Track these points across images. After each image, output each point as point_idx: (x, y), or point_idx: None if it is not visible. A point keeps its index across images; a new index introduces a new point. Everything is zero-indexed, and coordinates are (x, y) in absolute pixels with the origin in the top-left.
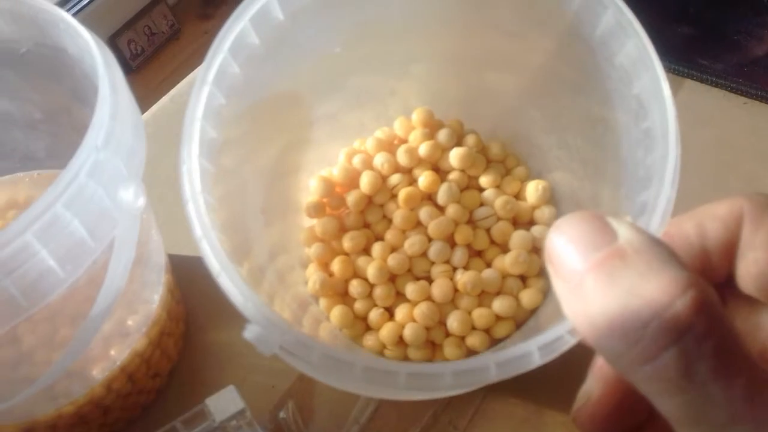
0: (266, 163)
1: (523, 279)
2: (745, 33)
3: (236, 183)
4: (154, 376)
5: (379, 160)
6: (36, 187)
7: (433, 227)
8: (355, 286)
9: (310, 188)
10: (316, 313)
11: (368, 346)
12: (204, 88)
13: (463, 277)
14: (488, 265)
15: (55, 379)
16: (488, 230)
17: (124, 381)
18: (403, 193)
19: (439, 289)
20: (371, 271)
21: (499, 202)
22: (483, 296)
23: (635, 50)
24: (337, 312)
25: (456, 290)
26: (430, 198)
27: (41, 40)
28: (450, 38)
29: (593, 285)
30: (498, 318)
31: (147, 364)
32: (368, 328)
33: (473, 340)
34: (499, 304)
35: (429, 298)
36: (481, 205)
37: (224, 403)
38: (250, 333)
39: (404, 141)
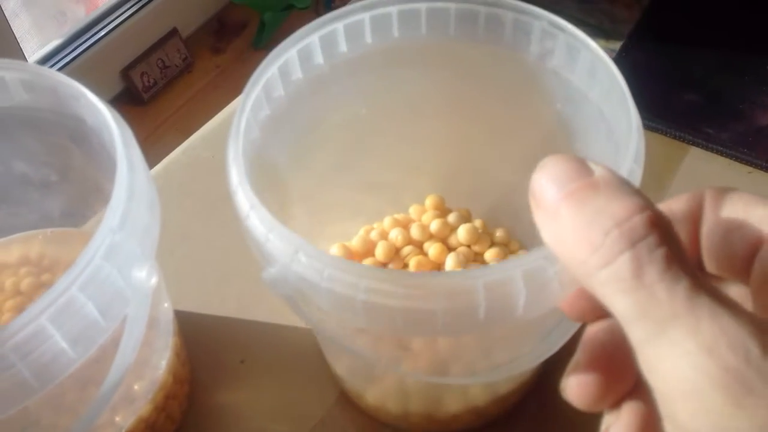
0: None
1: None
2: (750, 102)
3: None
4: None
5: (394, 233)
6: (48, 244)
7: None
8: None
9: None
10: None
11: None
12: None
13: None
14: None
15: None
16: None
17: None
18: (414, 261)
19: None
20: None
21: None
22: None
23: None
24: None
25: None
26: (439, 267)
27: (60, 109)
28: (457, 123)
29: (566, 210)
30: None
31: (152, 430)
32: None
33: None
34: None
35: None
36: None
37: None
38: (268, 275)
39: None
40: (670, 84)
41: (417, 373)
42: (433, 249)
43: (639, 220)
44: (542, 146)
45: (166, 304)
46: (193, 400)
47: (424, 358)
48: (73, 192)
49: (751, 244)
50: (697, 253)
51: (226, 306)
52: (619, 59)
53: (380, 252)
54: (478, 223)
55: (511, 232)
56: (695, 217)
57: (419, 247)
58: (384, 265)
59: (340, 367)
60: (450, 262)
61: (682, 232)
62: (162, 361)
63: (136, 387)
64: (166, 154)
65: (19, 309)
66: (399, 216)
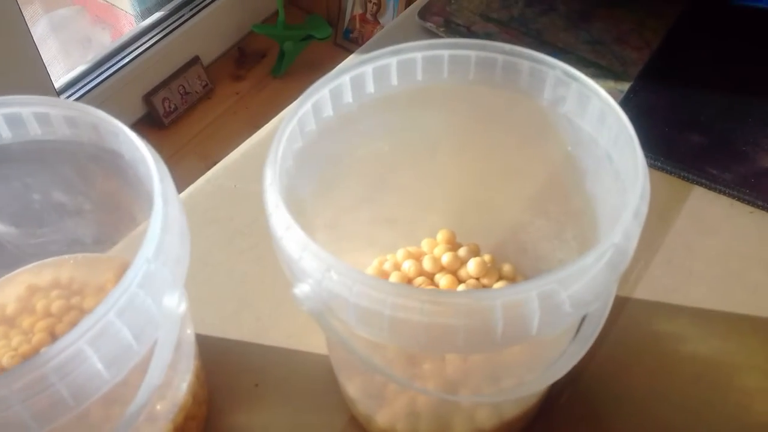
0: None
1: None
2: (753, 144)
3: None
4: None
5: (407, 265)
6: (78, 268)
7: None
8: None
9: None
10: None
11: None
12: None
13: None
14: None
15: None
16: None
17: None
18: None
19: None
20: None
21: None
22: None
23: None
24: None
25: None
26: None
27: (99, 144)
28: (471, 163)
29: None
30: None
31: None
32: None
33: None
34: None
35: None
36: None
37: None
38: (300, 291)
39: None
40: (676, 125)
41: (431, 390)
42: (444, 280)
43: None
44: (552, 186)
45: (189, 330)
46: (210, 422)
47: (432, 382)
48: (105, 220)
49: None
50: None
51: (243, 331)
52: (628, 100)
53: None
54: (486, 257)
55: (518, 266)
56: None
57: (430, 278)
58: None
59: (353, 388)
60: None
61: None
62: (183, 383)
63: (158, 407)
64: (186, 177)
65: (50, 330)
66: (412, 249)
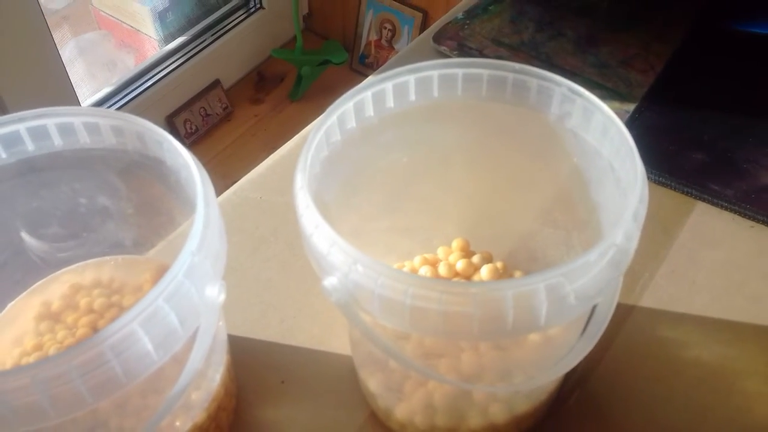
0: None
1: None
2: (754, 162)
3: None
4: None
5: (423, 270)
6: (118, 269)
7: None
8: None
9: None
10: None
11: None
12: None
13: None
14: None
15: None
16: None
17: None
18: None
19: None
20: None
21: None
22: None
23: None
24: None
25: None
26: None
27: (144, 151)
28: (484, 174)
29: None
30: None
31: None
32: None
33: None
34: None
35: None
36: None
37: None
38: (328, 283)
39: None
40: (680, 144)
41: (449, 379)
42: None
43: None
44: (559, 196)
45: (221, 323)
46: (239, 414)
47: (448, 377)
48: (146, 223)
49: None
50: None
51: (269, 332)
52: (634, 120)
53: None
54: (499, 264)
55: (528, 273)
56: None
57: None
58: None
59: (374, 383)
60: None
61: None
62: (217, 375)
63: (193, 396)
64: None
65: (92, 325)
66: (428, 255)
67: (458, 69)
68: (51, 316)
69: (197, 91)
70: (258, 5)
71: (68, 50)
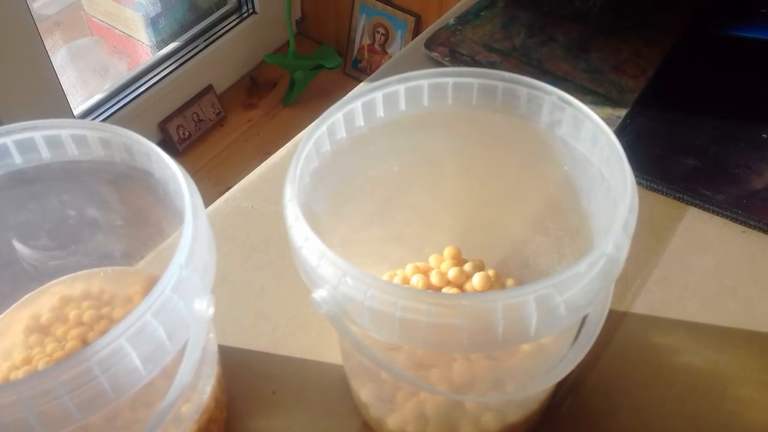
0: None
1: None
2: (745, 167)
3: None
4: None
5: (415, 279)
6: (108, 281)
7: None
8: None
9: None
10: None
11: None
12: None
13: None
14: None
15: None
16: None
17: None
18: None
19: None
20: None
21: None
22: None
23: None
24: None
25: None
26: None
27: (132, 163)
28: (475, 183)
29: None
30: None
31: None
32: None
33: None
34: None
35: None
36: None
37: None
38: (318, 295)
39: None
40: (671, 149)
41: (440, 390)
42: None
43: None
44: (550, 204)
45: (211, 335)
46: (230, 425)
47: (440, 387)
48: (135, 235)
49: None
50: None
51: (261, 341)
52: (625, 125)
53: None
54: (491, 272)
55: (520, 281)
56: None
57: (438, 291)
58: None
59: (366, 393)
60: None
61: None
62: (207, 387)
63: (184, 409)
64: None
65: (82, 337)
66: (420, 264)
67: (448, 78)
68: (40, 329)
69: (190, 96)
70: (251, 10)
71: (60, 56)
